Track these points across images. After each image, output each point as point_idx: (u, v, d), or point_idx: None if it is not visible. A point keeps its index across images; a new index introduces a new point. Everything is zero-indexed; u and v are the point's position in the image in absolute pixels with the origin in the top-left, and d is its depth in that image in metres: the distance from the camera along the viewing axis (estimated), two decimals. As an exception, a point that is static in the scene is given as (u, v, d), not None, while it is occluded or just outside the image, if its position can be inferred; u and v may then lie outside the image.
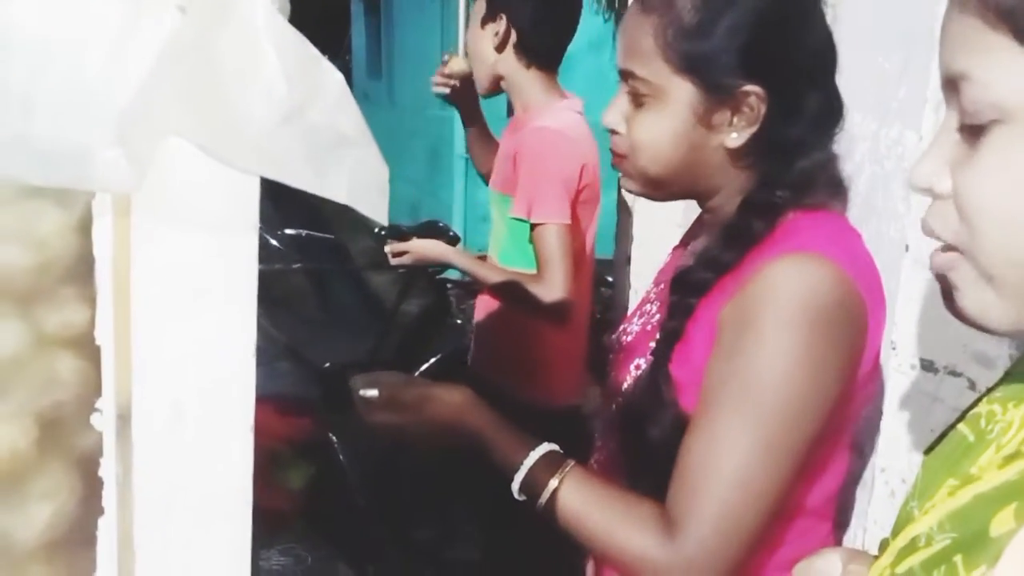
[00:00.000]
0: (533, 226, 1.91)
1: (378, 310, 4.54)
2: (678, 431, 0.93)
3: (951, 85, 0.56)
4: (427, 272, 2.97)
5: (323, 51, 0.45)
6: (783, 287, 0.90)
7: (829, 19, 1.00)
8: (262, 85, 0.43)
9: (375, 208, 0.47)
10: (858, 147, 1.20)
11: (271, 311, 3.31)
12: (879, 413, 1.20)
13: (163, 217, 0.47)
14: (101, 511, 0.50)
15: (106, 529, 0.51)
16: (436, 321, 3.26)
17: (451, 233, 2.90)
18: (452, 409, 1.05)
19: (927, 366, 1.12)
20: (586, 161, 1.96)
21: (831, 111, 1.00)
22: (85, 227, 0.49)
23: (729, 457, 0.88)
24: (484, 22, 2.00)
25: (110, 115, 0.40)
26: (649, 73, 0.97)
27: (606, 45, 5.71)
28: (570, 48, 2.08)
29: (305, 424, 2.79)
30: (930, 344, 1.12)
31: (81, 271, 0.49)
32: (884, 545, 0.66)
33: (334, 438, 2.84)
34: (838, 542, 1.15)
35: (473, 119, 2.29)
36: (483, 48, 2.02)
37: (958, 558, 0.54)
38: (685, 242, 1.18)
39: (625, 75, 1.00)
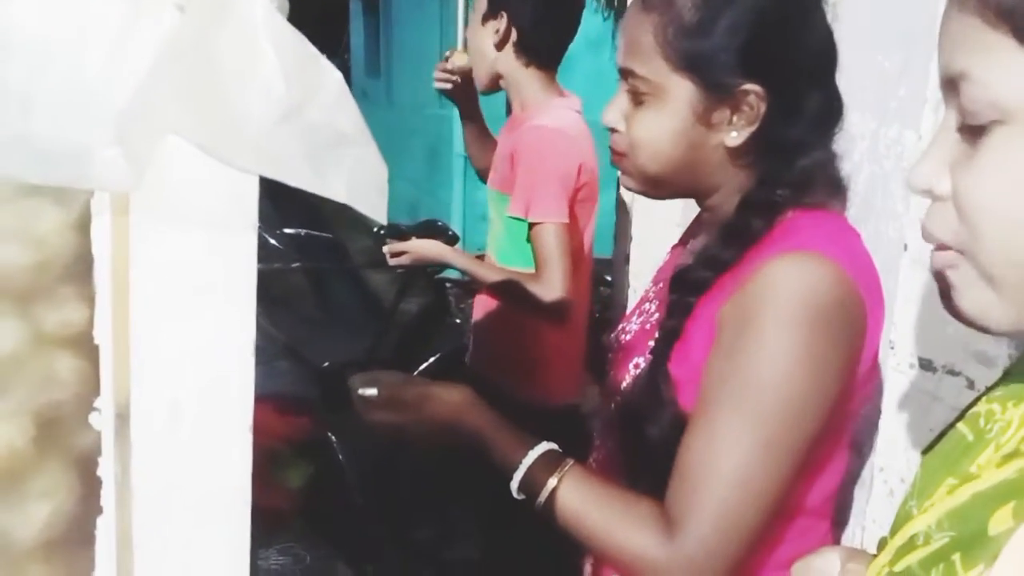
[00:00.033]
0: (531, 225, 1.91)
1: (377, 309, 4.54)
2: (677, 430, 0.93)
3: (950, 85, 0.56)
4: (426, 272, 2.97)
5: (322, 50, 0.45)
6: (783, 286, 0.90)
7: (829, 18, 1.00)
8: (261, 84, 0.43)
9: (374, 207, 0.47)
10: (857, 146, 1.20)
11: (270, 310, 3.31)
12: (878, 412, 1.20)
13: (162, 216, 0.47)
14: (100, 510, 0.50)
15: (105, 528, 0.51)
16: (435, 320, 3.26)
17: (450, 232, 2.91)
18: (451, 408, 1.05)
19: (926, 365, 1.13)
20: (583, 160, 1.96)
21: (831, 111, 1.00)
22: (84, 226, 0.49)
23: (729, 456, 0.88)
24: (485, 19, 2.00)
25: (109, 114, 0.40)
26: (649, 71, 0.97)
27: (605, 44, 5.71)
28: (569, 47, 2.08)
29: (304, 423, 2.79)
30: (929, 343, 1.12)
31: (80, 270, 0.49)
32: (882, 544, 0.66)
33: (333, 437, 2.84)
34: (836, 541, 1.15)
35: (472, 116, 2.29)
36: (483, 45, 2.02)
37: (956, 556, 0.54)
38: (684, 241, 1.18)
39: (625, 73, 1.00)
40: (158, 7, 0.41)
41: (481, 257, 2.19)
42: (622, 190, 2.23)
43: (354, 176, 0.46)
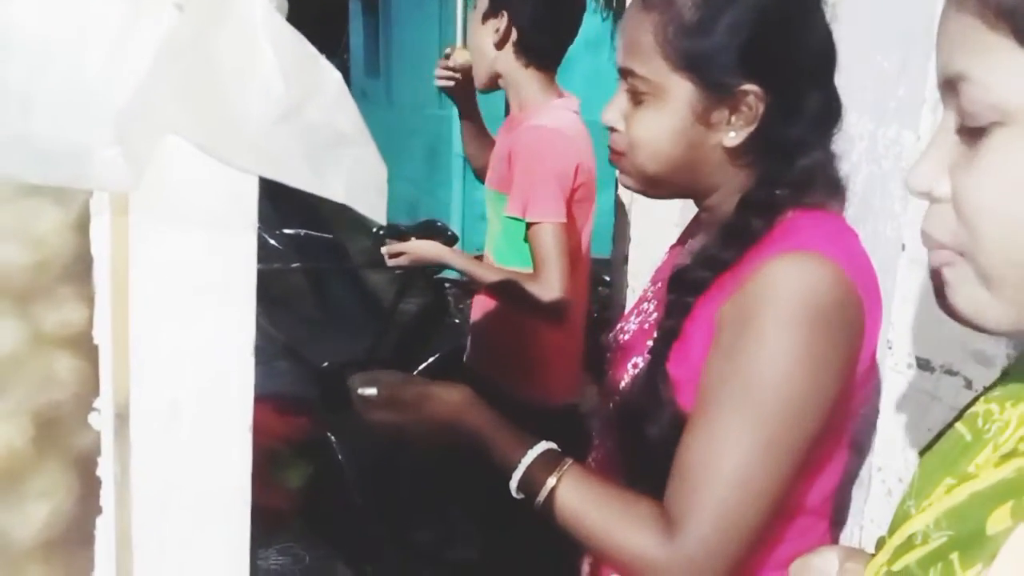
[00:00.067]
0: (529, 225, 1.91)
1: (376, 309, 4.54)
2: (676, 430, 0.93)
3: (949, 86, 0.55)
4: (425, 272, 2.97)
5: (321, 50, 0.45)
6: (783, 286, 0.90)
7: (827, 18, 1.00)
8: (260, 84, 0.43)
9: (373, 207, 0.47)
10: (855, 147, 1.21)
11: (270, 310, 3.31)
12: (876, 412, 1.20)
13: (161, 216, 0.47)
14: (99, 510, 0.50)
15: (104, 528, 0.51)
16: (434, 320, 3.26)
17: (449, 232, 2.91)
18: (451, 408, 1.05)
19: (924, 365, 1.13)
20: (581, 160, 1.96)
21: (830, 111, 1.00)
22: (83, 226, 0.49)
23: (729, 456, 0.88)
24: (485, 17, 2.00)
25: (108, 114, 0.40)
26: (648, 71, 0.97)
27: (604, 44, 5.71)
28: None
29: (303, 423, 2.79)
30: (927, 343, 1.12)
31: (79, 270, 0.49)
32: (881, 543, 0.66)
33: (332, 437, 2.84)
34: (835, 540, 1.15)
35: (470, 114, 2.29)
36: (483, 43, 2.02)
37: (954, 556, 0.54)
38: (682, 241, 1.18)
39: (624, 73, 1.00)
40: (157, 7, 0.41)
41: (480, 257, 2.19)
42: (621, 190, 2.24)
43: (353, 176, 0.46)
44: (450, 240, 2.67)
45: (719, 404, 0.90)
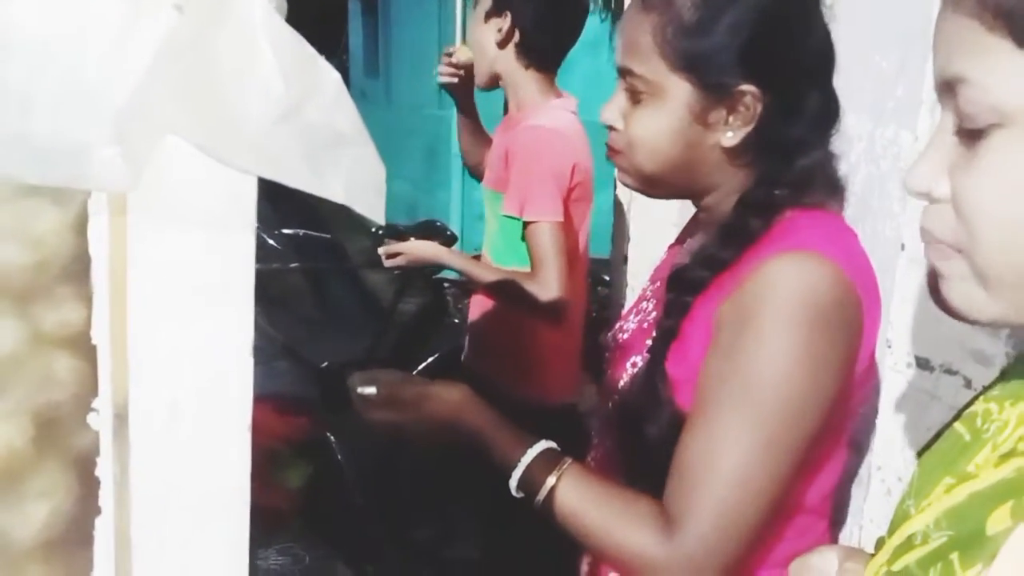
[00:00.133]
0: (526, 224, 1.91)
1: (375, 309, 4.54)
2: (674, 429, 0.94)
3: (947, 88, 0.55)
4: (424, 272, 2.97)
5: (320, 50, 0.45)
6: (782, 285, 0.90)
7: (826, 18, 1.00)
8: (259, 84, 0.43)
9: (372, 207, 0.47)
10: (854, 147, 1.21)
11: (269, 310, 3.31)
12: (875, 411, 1.20)
13: (160, 216, 0.47)
14: (98, 510, 0.50)
15: (103, 529, 0.51)
16: (433, 320, 3.26)
17: (448, 232, 2.90)
18: (450, 407, 1.05)
19: (923, 364, 1.13)
20: (578, 159, 1.96)
21: (828, 111, 1.00)
22: (81, 226, 0.49)
23: (728, 455, 0.88)
24: (488, 16, 2.00)
25: (108, 114, 0.40)
26: (647, 70, 0.97)
27: (603, 45, 5.71)
28: (566, 48, 2.08)
29: (303, 423, 2.79)
30: (926, 342, 1.12)
31: (77, 270, 0.49)
32: (880, 543, 0.66)
33: (332, 437, 2.84)
34: (834, 540, 1.15)
35: (468, 109, 2.29)
36: (484, 42, 2.02)
37: (954, 556, 0.54)
38: (681, 240, 1.19)
39: (623, 72, 1.00)
40: (157, 7, 0.41)
41: (479, 257, 2.19)
42: (619, 190, 2.24)
43: (352, 176, 0.46)
44: (449, 240, 2.67)
45: (718, 403, 0.90)
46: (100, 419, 0.50)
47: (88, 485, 0.50)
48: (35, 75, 0.40)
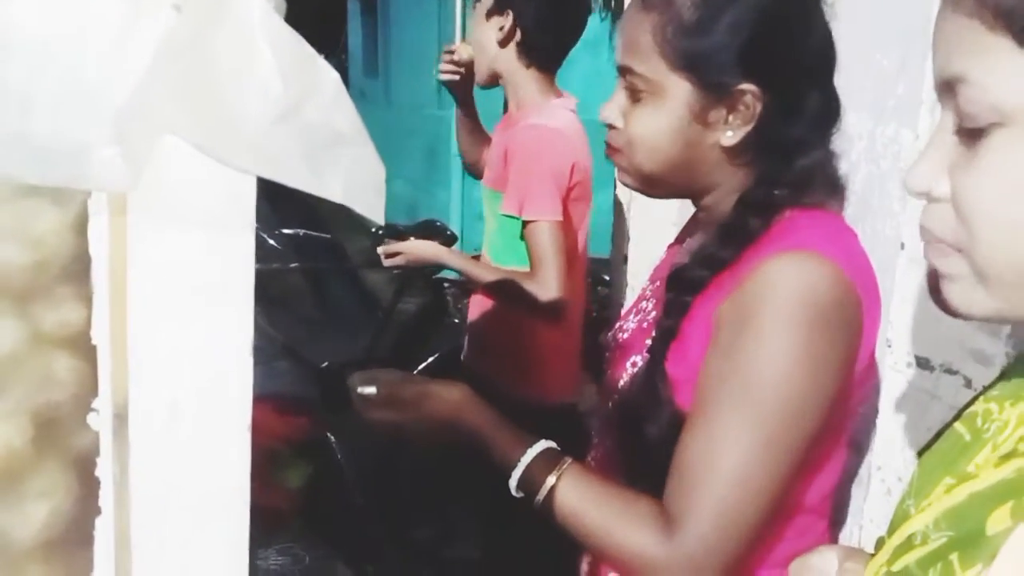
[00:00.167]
0: (525, 223, 1.91)
1: (375, 309, 4.54)
2: (674, 428, 0.94)
3: (947, 87, 0.55)
4: (424, 272, 2.97)
5: (319, 50, 0.45)
6: (782, 285, 0.90)
7: (827, 17, 1.00)
8: (258, 84, 0.43)
9: (371, 207, 0.47)
10: (854, 146, 1.21)
11: (269, 310, 3.30)
12: (875, 411, 1.20)
13: (159, 216, 0.47)
14: (98, 511, 0.50)
15: (103, 529, 0.51)
16: (433, 320, 3.26)
17: (448, 232, 2.90)
18: (450, 406, 1.05)
19: (923, 364, 1.13)
20: (577, 159, 1.96)
21: (829, 111, 1.00)
22: (81, 226, 0.49)
23: (728, 454, 0.88)
24: (490, 14, 2.00)
25: (107, 114, 0.40)
26: (647, 69, 0.97)
27: (603, 44, 5.71)
28: (566, 48, 2.08)
29: (303, 423, 2.79)
30: (926, 342, 1.12)
31: (77, 270, 0.49)
32: (880, 543, 0.66)
33: (332, 437, 2.84)
34: (834, 539, 1.15)
35: (467, 107, 2.29)
36: (485, 40, 2.02)
37: (954, 556, 0.54)
38: (681, 239, 1.19)
39: (623, 71, 1.00)
40: (156, 7, 0.41)
41: (479, 257, 2.19)
42: (619, 190, 2.24)
43: (351, 176, 0.46)
44: (449, 240, 2.67)
45: (718, 403, 0.90)
46: (100, 419, 0.50)
47: (88, 485, 0.50)
48: (35, 75, 0.40)
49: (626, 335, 1.11)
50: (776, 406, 0.88)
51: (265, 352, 2.99)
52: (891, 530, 0.64)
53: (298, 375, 3.08)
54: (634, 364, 1.04)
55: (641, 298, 1.15)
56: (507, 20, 1.97)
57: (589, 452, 1.15)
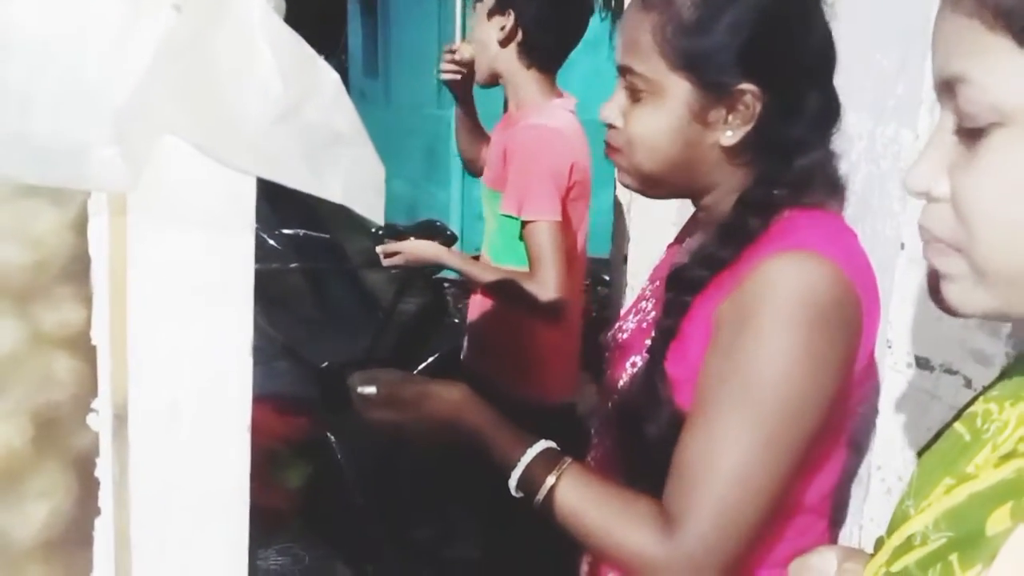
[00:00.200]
0: (524, 223, 1.91)
1: (375, 309, 4.54)
2: (674, 428, 0.94)
3: (946, 87, 0.55)
4: (424, 272, 2.97)
5: (319, 50, 0.45)
6: (781, 285, 0.90)
7: (827, 17, 1.00)
8: (258, 84, 0.43)
9: (371, 207, 0.47)
10: (854, 146, 1.21)
11: (269, 310, 3.30)
12: (875, 411, 1.20)
13: (159, 216, 0.47)
14: (98, 511, 0.50)
15: (103, 529, 0.51)
16: (433, 320, 3.26)
17: (448, 232, 2.90)
18: (450, 406, 1.05)
19: (923, 364, 1.13)
20: (576, 159, 1.96)
21: (828, 111, 1.00)
22: (81, 226, 0.49)
23: (728, 454, 0.88)
24: (491, 14, 2.00)
25: (107, 114, 0.40)
26: (647, 69, 0.97)
27: (603, 44, 5.70)
28: (566, 48, 2.08)
29: (303, 423, 2.79)
30: (926, 342, 1.12)
31: (77, 270, 0.49)
32: (880, 543, 0.66)
33: (332, 437, 2.84)
34: (834, 539, 1.15)
35: (467, 106, 2.30)
36: (487, 40, 2.02)
37: (954, 557, 0.54)
38: (680, 239, 1.19)
39: (623, 70, 1.00)
40: (156, 7, 0.41)
41: (478, 257, 2.19)
42: (619, 190, 2.24)
43: (351, 176, 0.46)
44: (449, 240, 2.67)
45: (718, 403, 0.90)
46: (99, 419, 0.50)
47: (87, 485, 0.50)
48: (35, 75, 0.40)
49: (626, 335, 1.11)
50: (776, 406, 0.89)
51: (265, 352, 2.99)
52: (890, 530, 0.64)
53: (298, 375, 3.08)
54: (634, 364, 1.04)
55: (641, 298, 1.15)
56: (508, 20, 1.97)
57: (589, 452, 1.15)
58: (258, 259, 0.50)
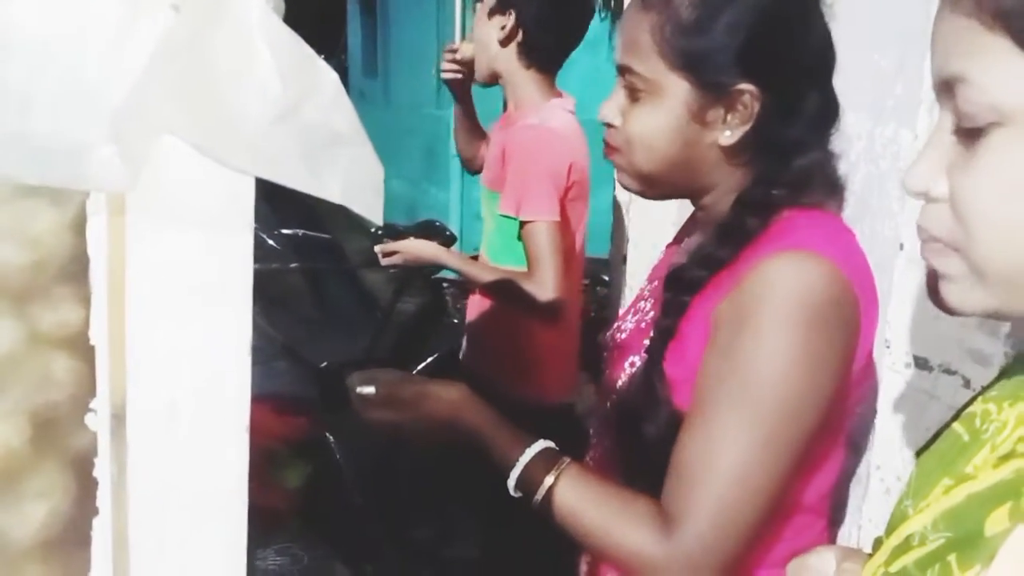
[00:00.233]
0: (523, 224, 1.91)
1: (374, 309, 4.54)
2: (672, 428, 0.94)
3: (945, 87, 0.55)
4: (423, 272, 2.97)
5: (319, 50, 0.45)
6: (780, 285, 0.90)
7: (826, 18, 1.00)
8: (256, 84, 0.43)
9: (370, 207, 0.47)
10: (853, 146, 1.21)
11: (268, 310, 3.30)
12: (873, 411, 1.20)
13: (158, 216, 0.47)
14: (96, 511, 0.50)
15: (101, 529, 0.51)
16: (432, 320, 3.26)
17: (448, 232, 2.90)
18: (449, 406, 1.05)
19: (922, 364, 1.13)
20: (574, 159, 1.96)
21: (827, 111, 1.00)
22: (79, 226, 0.49)
23: (727, 454, 0.88)
24: (492, 13, 2.00)
25: (106, 114, 0.40)
26: (646, 69, 0.97)
27: (603, 44, 5.71)
28: (565, 48, 2.08)
29: (302, 423, 2.79)
30: (925, 342, 1.12)
31: (75, 270, 0.49)
32: (878, 543, 0.66)
33: (331, 437, 2.83)
34: (832, 539, 1.15)
35: (466, 104, 2.30)
36: (487, 39, 2.02)
37: (952, 557, 0.54)
38: (679, 239, 1.19)
39: (622, 70, 1.00)
40: (154, 7, 0.41)
41: (477, 257, 2.19)
42: (619, 190, 2.24)
43: (349, 176, 0.46)
44: (449, 240, 2.67)
45: (716, 402, 0.90)
46: (98, 419, 0.50)
47: (86, 485, 0.50)
48: (34, 75, 0.40)
49: (624, 335, 1.11)
50: (774, 405, 0.89)
51: (264, 352, 2.99)
52: (889, 530, 0.64)
53: (297, 375, 3.08)
54: (632, 364, 1.04)
55: (639, 298, 1.15)
56: (509, 20, 1.97)
57: (587, 452, 1.15)
58: (257, 259, 0.50)
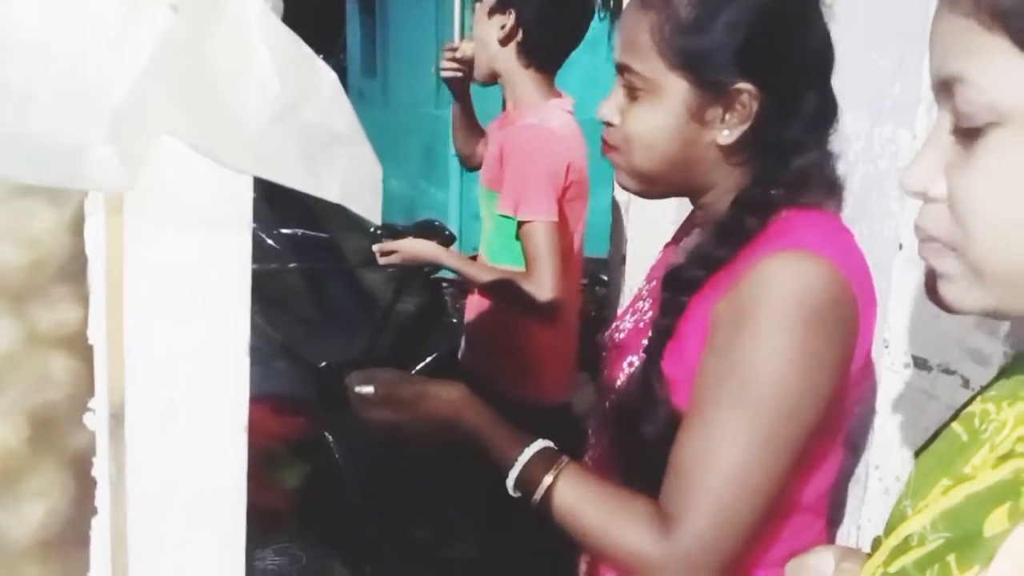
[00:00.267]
0: (521, 223, 1.91)
1: (373, 309, 4.54)
2: (671, 428, 0.94)
3: (944, 87, 0.55)
4: (422, 271, 2.97)
5: (318, 50, 0.45)
6: (778, 284, 0.90)
7: (825, 18, 1.00)
8: (255, 84, 0.43)
9: (368, 207, 0.47)
10: (852, 146, 1.21)
11: (267, 310, 3.30)
12: (872, 411, 1.20)
13: (156, 216, 0.47)
14: (94, 511, 0.50)
15: (99, 529, 0.51)
16: (431, 320, 3.26)
17: (447, 232, 2.90)
18: (448, 406, 1.05)
19: (921, 364, 1.13)
20: (572, 159, 1.96)
21: (826, 111, 1.00)
22: (78, 226, 0.49)
23: (725, 453, 0.88)
24: (492, 12, 2.00)
25: (104, 114, 0.40)
26: (645, 68, 0.97)
27: (602, 43, 5.71)
28: (565, 48, 2.08)
29: (301, 423, 2.79)
30: (923, 342, 1.12)
31: (74, 270, 0.49)
32: (877, 543, 0.66)
33: (330, 437, 2.83)
34: (831, 539, 1.15)
35: (465, 103, 2.30)
36: (487, 38, 2.02)
37: (951, 558, 0.54)
38: (677, 239, 1.19)
39: (621, 68, 1.00)
40: (154, 8, 0.41)
41: (475, 257, 2.19)
42: (617, 190, 2.24)
43: (348, 176, 0.46)
44: (448, 240, 2.67)
45: (715, 402, 0.90)
46: (96, 419, 0.50)
47: (84, 485, 0.50)
48: (34, 75, 0.40)
49: (622, 335, 1.11)
50: (772, 405, 0.89)
51: (263, 352, 2.99)
52: (888, 530, 0.64)
53: (296, 375, 3.08)
54: (631, 364, 1.04)
55: (637, 298, 1.15)
56: (509, 19, 1.97)
57: (586, 452, 1.15)
58: (256, 259, 0.50)
